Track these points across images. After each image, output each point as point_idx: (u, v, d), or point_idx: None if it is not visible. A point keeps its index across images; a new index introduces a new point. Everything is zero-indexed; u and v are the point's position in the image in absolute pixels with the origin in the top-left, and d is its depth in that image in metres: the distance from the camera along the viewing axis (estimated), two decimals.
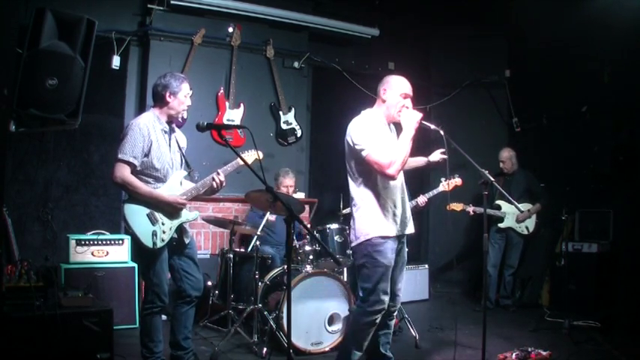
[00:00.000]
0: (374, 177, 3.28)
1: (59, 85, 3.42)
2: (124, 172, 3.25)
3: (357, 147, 3.21)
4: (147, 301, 3.40)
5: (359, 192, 3.31)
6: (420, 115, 3.23)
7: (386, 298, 3.27)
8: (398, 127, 3.36)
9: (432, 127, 3.33)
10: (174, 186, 3.43)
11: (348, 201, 3.48)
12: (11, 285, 3.18)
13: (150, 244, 3.25)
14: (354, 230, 3.35)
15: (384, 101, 3.33)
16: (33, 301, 3.07)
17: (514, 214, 5.98)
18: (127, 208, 3.28)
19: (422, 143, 3.59)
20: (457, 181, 5.11)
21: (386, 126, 3.41)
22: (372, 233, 3.26)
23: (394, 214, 3.33)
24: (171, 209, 3.37)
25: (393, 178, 3.22)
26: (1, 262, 3.07)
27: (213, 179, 3.46)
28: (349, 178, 3.38)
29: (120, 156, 3.25)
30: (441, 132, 3.30)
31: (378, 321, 3.30)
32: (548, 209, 6.06)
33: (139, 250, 3.35)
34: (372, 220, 3.28)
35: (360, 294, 3.33)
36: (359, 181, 3.31)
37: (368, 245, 3.26)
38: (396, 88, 3.31)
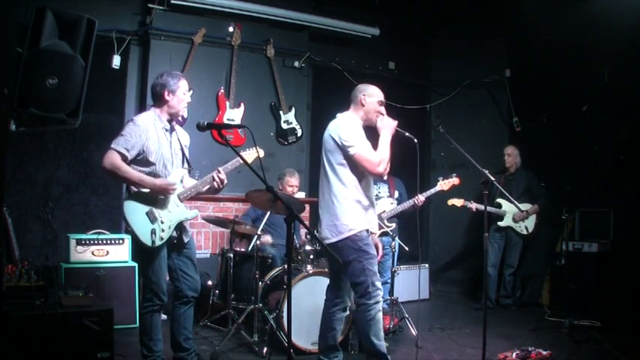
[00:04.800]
0: (354, 174, 3.42)
1: (59, 85, 3.41)
2: (113, 158, 3.22)
3: (345, 144, 3.37)
4: (145, 299, 3.40)
5: (340, 188, 3.41)
6: (395, 122, 3.53)
7: (381, 285, 3.43)
8: (367, 130, 3.56)
9: (407, 134, 3.57)
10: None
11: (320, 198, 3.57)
12: (11, 284, 3.18)
13: (149, 243, 3.26)
14: (333, 226, 3.40)
15: (362, 106, 3.55)
16: (33, 301, 3.07)
17: (513, 213, 5.98)
18: (127, 206, 3.28)
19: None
20: (454, 180, 5.17)
21: (362, 128, 3.56)
22: (358, 227, 3.38)
23: (368, 210, 3.48)
24: (164, 194, 3.34)
25: (381, 175, 3.47)
26: (2, 262, 3.06)
27: (214, 178, 3.46)
28: (327, 175, 3.47)
29: (112, 145, 3.26)
30: (415, 140, 3.55)
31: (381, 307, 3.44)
32: (547, 211, 6.07)
33: (138, 248, 3.35)
34: (355, 214, 3.40)
35: (359, 291, 3.37)
36: (339, 178, 3.42)
37: (357, 240, 3.36)
38: (375, 95, 3.57)
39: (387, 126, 3.50)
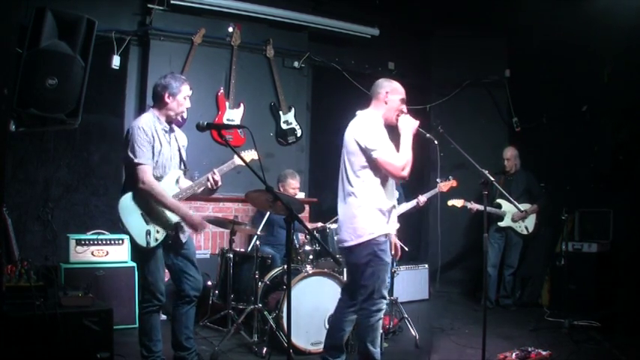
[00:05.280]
0: (377, 177, 3.33)
1: (59, 85, 3.40)
2: (149, 177, 3.24)
3: (367, 147, 3.27)
4: (143, 300, 3.41)
5: (360, 190, 3.33)
6: (417, 122, 3.42)
7: (387, 293, 3.38)
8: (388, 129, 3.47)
9: (428, 135, 3.51)
10: (170, 185, 3.43)
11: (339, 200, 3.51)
12: (11, 285, 3.18)
13: (144, 244, 3.26)
14: (352, 229, 3.34)
15: (385, 103, 3.43)
16: (33, 301, 3.07)
17: (513, 213, 5.99)
18: (122, 207, 3.28)
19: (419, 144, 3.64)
20: (452, 182, 5.23)
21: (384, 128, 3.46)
22: (378, 232, 3.30)
23: (390, 213, 3.40)
24: (193, 228, 3.39)
25: (405, 179, 3.36)
26: (1, 262, 3.07)
27: (208, 179, 3.45)
28: (348, 177, 3.39)
29: (137, 160, 3.24)
30: (435, 142, 3.50)
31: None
32: (547, 211, 6.07)
33: (134, 249, 3.36)
34: (376, 218, 3.31)
35: (363, 293, 3.33)
36: (360, 180, 3.33)
37: (373, 244, 3.29)
38: (397, 92, 3.45)
39: (409, 126, 3.38)
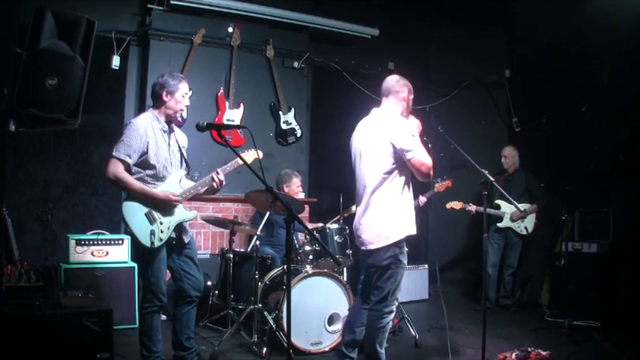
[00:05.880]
0: (401, 177, 3.32)
1: (59, 85, 3.41)
2: (116, 169, 3.25)
3: (403, 148, 3.23)
4: (145, 300, 3.40)
5: (386, 192, 3.30)
6: (419, 124, 3.46)
7: (399, 297, 3.40)
8: None
9: (424, 138, 3.54)
10: (173, 185, 3.44)
11: (353, 200, 3.51)
12: (11, 285, 3.18)
13: (148, 244, 3.26)
14: (377, 231, 3.30)
15: (405, 102, 3.43)
16: (33, 301, 3.07)
17: (512, 213, 5.99)
18: (126, 207, 3.29)
19: None
20: (447, 182, 5.29)
21: None
22: (401, 234, 3.29)
23: (412, 214, 3.39)
24: (166, 205, 3.37)
25: (431, 178, 3.37)
26: (1, 262, 3.07)
27: (213, 179, 3.46)
28: (371, 178, 3.33)
29: (114, 153, 3.26)
30: (429, 145, 3.56)
31: None
32: (547, 210, 6.07)
33: (137, 249, 3.36)
34: (400, 220, 3.30)
35: (377, 295, 3.33)
36: (387, 181, 3.30)
37: (395, 247, 3.29)
38: (412, 92, 3.48)
39: (415, 127, 3.40)
